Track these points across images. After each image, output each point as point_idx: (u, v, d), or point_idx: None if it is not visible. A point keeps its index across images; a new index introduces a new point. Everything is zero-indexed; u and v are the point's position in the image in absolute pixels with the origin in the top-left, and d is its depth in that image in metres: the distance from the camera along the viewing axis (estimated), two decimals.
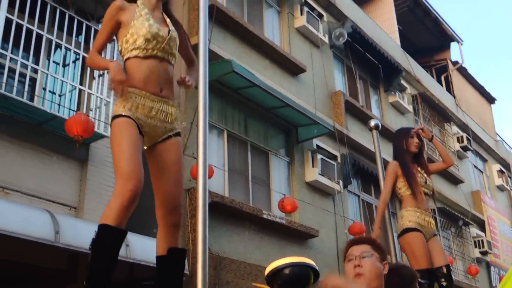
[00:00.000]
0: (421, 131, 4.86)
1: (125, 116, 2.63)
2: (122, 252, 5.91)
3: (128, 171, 2.47)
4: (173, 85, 2.85)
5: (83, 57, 6.91)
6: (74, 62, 7.08)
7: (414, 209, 4.58)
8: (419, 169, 4.79)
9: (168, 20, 2.94)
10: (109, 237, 2.43)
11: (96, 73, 6.97)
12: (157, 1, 2.90)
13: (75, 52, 6.83)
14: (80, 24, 6.90)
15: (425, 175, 4.79)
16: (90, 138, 6.44)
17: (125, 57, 2.81)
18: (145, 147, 2.78)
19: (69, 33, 6.71)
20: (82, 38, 6.98)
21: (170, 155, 2.73)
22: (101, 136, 6.69)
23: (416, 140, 4.77)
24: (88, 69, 6.92)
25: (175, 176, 2.71)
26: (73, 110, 6.59)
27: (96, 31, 7.10)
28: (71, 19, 6.79)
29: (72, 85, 6.73)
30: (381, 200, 4.61)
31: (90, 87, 6.90)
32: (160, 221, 2.70)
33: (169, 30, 2.84)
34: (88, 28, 7.01)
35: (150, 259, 6.01)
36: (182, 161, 2.79)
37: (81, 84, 6.88)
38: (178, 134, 2.83)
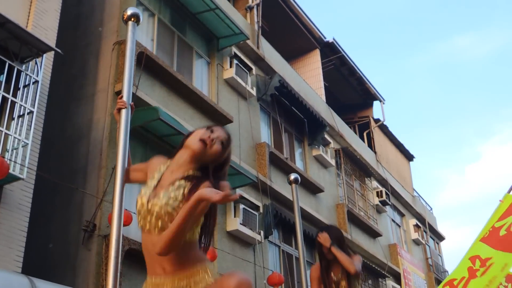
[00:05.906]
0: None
1: None
2: None
3: None
4: (183, 252, 2.29)
5: (3, 96, 6.77)
6: None
7: None
8: (332, 275, 4.51)
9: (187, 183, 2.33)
10: None
11: (15, 113, 6.82)
12: (186, 161, 2.39)
13: None
14: (2, 63, 6.79)
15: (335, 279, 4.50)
16: (4, 180, 6.24)
17: None
18: None
19: None
20: (3, 77, 6.85)
21: None
22: (16, 179, 6.50)
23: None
24: (8, 108, 6.77)
25: None
26: None
27: (19, 72, 7.00)
28: None
29: None
30: None
31: (8, 128, 6.74)
32: None
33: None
34: (11, 68, 6.90)
35: None
36: None
37: None
38: None
